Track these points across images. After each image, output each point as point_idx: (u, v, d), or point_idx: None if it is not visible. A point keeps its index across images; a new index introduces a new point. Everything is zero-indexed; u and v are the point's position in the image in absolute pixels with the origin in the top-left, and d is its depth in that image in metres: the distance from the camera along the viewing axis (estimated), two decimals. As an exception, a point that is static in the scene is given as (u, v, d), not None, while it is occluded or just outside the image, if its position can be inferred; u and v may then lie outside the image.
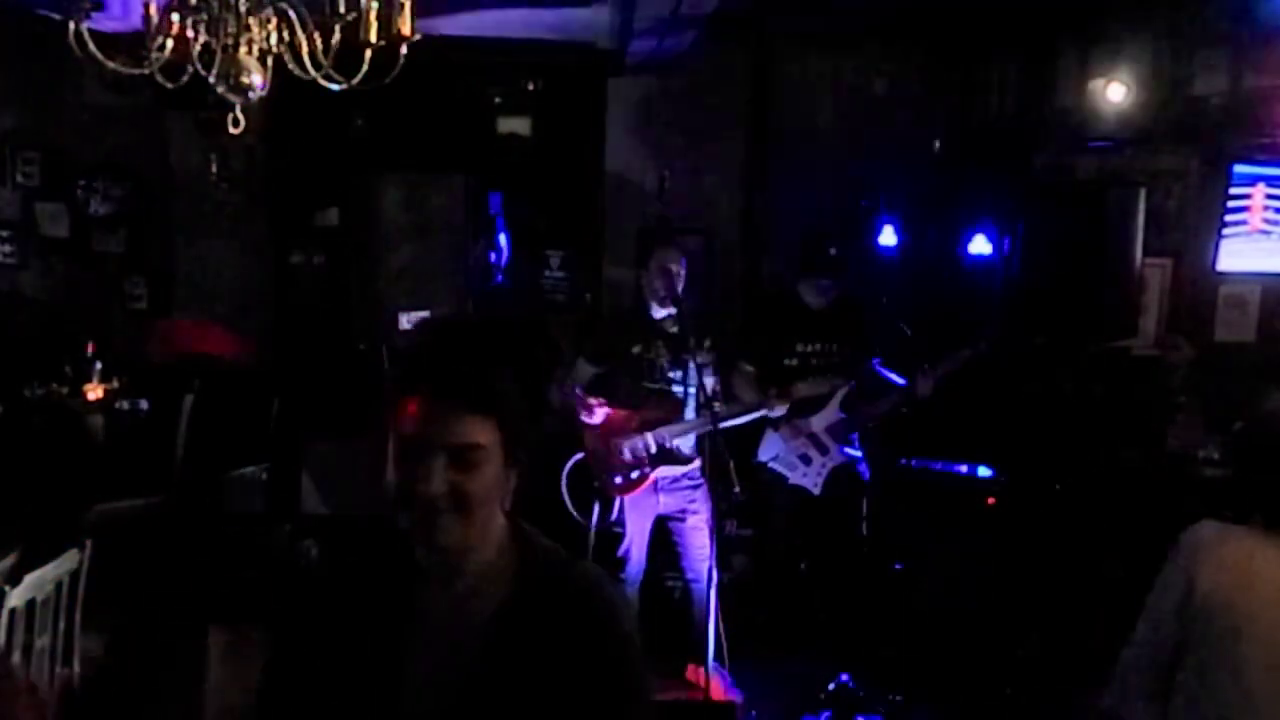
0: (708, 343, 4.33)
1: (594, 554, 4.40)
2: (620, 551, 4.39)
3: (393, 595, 1.50)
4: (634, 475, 4.29)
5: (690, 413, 4.32)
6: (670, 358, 4.30)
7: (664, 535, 4.45)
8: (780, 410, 4.35)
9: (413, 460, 1.41)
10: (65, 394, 5.50)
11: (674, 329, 4.27)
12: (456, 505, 1.42)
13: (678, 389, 4.32)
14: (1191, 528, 2.15)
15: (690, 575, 4.42)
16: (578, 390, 4.29)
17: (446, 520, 1.42)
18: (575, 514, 4.41)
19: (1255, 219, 4.65)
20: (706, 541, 4.25)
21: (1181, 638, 2.08)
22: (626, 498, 4.34)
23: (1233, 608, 2.01)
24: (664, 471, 4.31)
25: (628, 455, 4.28)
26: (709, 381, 4.19)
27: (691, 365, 4.19)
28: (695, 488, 4.35)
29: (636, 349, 4.32)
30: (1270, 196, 4.71)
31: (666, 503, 4.35)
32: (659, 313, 4.33)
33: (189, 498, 5.36)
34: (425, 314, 3.96)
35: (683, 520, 4.37)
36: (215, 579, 1.19)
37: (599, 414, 4.28)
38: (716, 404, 4.12)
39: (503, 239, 4.56)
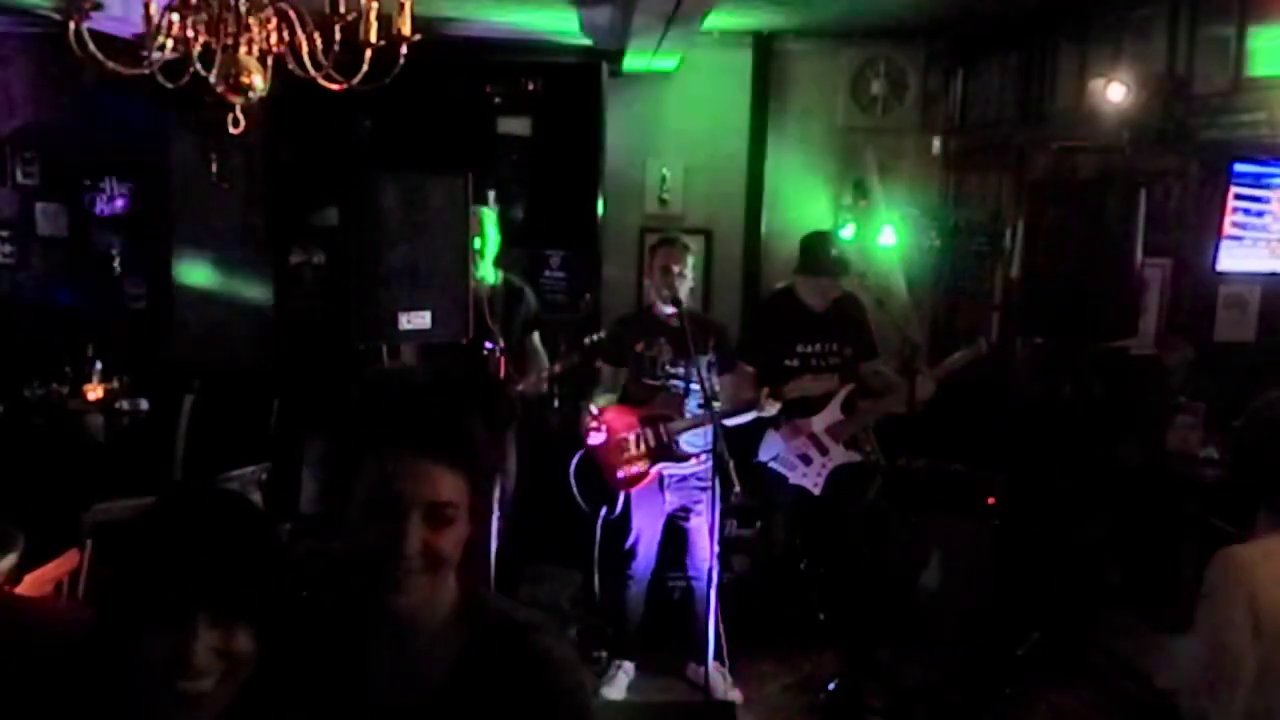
0: (712, 341, 4.34)
1: (600, 547, 4.43)
2: (628, 544, 4.39)
3: (341, 657, 1.45)
4: (635, 470, 4.30)
5: (690, 410, 4.32)
6: (673, 355, 4.31)
7: (670, 534, 4.45)
8: (773, 410, 4.34)
9: (386, 519, 1.36)
10: (65, 394, 5.50)
11: (678, 325, 4.28)
12: (428, 565, 1.38)
13: (678, 384, 4.32)
14: (1222, 555, 2.04)
15: (693, 573, 4.43)
16: (592, 409, 4.31)
17: (416, 580, 1.38)
18: (584, 506, 4.43)
19: (1225, 223, 4.60)
20: (709, 541, 4.26)
21: (1257, 665, 1.99)
22: (634, 495, 4.34)
23: None
24: (671, 469, 4.32)
25: (631, 450, 4.29)
26: (713, 381, 4.22)
27: (693, 363, 4.21)
28: (704, 489, 4.34)
29: (640, 346, 4.33)
30: (1239, 197, 4.67)
31: (673, 501, 4.36)
32: (663, 311, 4.33)
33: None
34: (424, 318, 3.94)
35: (687, 520, 4.38)
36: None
37: (597, 437, 4.29)
38: (716, 403, 4.12)
39: (492, 235, 4.52)
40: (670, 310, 4.30)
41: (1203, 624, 2.06)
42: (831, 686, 4.32)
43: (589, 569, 4.68)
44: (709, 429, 4.07)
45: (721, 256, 6.25)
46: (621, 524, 4.41)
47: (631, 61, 5.70)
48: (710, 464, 4.33)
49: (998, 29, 5.68)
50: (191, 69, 2.88)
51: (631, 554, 4.38)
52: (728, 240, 6.26)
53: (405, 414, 1.42)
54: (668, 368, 4.33)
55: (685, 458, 4.32)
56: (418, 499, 1.37)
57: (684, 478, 4.35)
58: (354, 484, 1.39)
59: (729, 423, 4.16)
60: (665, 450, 4.30)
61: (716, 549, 4.08)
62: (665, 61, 5.79)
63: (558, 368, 4.50)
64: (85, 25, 2.70)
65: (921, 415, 4.36)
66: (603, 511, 4.40)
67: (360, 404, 1.49)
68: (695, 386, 4.28)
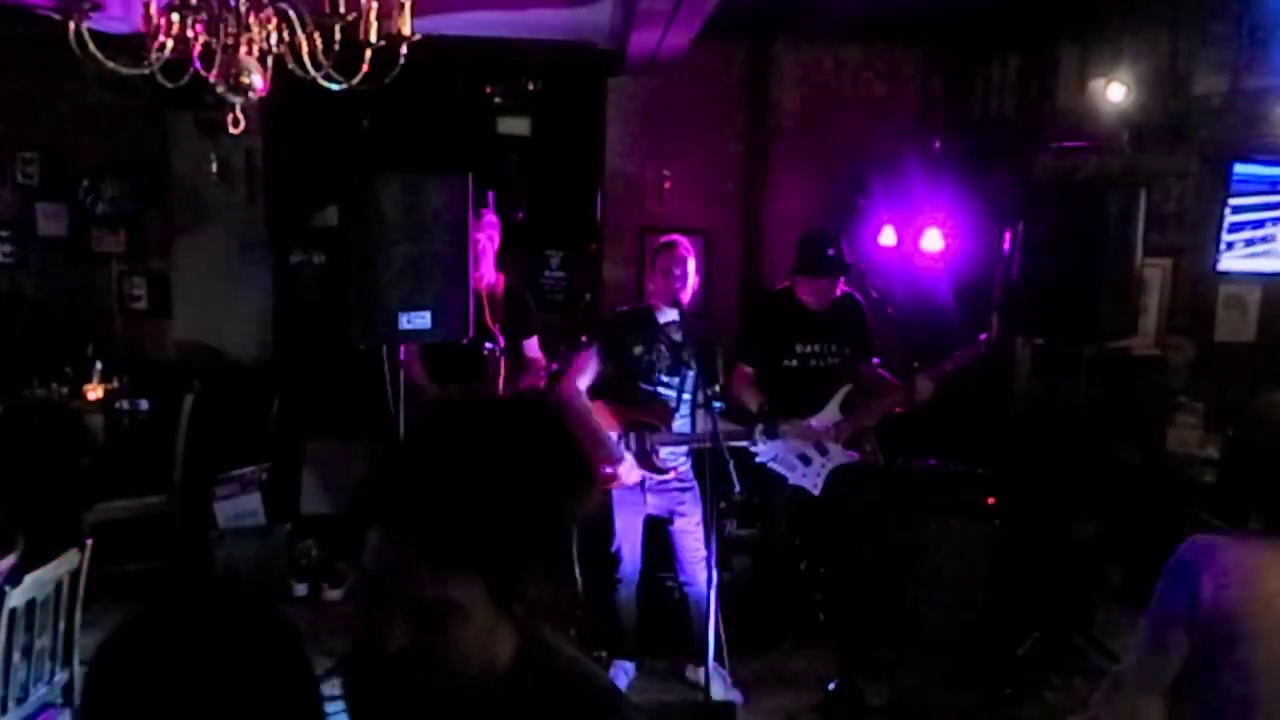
0: (703, 353, 4.30)
1: (580, 551, 4.42)
2: (613, 547, 4.38)
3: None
4: (606, 471, 4.27)
5: (678, 421, 4.30)
6: (670, 362, 4.29)
7: (660, 536, 4.44)
8: (762, 446, 4.34)
9: (371, 605, 1.12)
10: (65, 394, 5.50)
11: (677, 335, 4.26)
12: (422, 667, 1.13)
13: (670, 393, 4.30)
14: (1188, 541, 2.14)
15: (684, 578, 4.41)
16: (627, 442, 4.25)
17: (408, 679, 1.15)
18: None
19: (1225, 224, 4.59)
20: (699, 544, 4.23)
21: (1187, 650, 2.07)
22: (615, 497, 4.31)
23: (1237, 616, 2.01)
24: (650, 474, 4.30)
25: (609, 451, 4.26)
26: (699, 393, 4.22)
27: (689, 374, 4.20)
28: (684, 489, 4.33)
29: (638, 349, 4.31)
30: (1240, 197, 4.66)
31: (655, 503, 4.32)
32: (664, 316, 4.31)
33: (188, 499, 5.37)
34: (424, 318, 3.94)
35: (672, 523, 4.35)
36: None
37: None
38: (716, 404, 4.10)
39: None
40: (671, 316, 4.27)
41: (1152, 598, 2.15)
42: (831, 686, 4.32)
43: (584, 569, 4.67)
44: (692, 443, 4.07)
45: (721, 257, 6.25)
46: (604, 526, 4.40)
47: (631, 61, 5.69)
48: (691, 464, 4.33)
49: (998, 29, 5.67)
50: (191, 69, 2.88)
51: (617, 557, 4.37)
52: (727, 240, 6.25)
53: (392, 486, 1.13)
54: (663, 375, 4.30)
55: (663, 471, 4.28)
56: (404, 592, 1.11)
57: (664, 481, 4.31)
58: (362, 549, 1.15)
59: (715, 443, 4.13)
60: (644, 459, 4.27)
61: (715, 549, 4.06)
62: (665, 61, 5.79)
63: (555, 366, 4.50)
64: (85, 25, 2.71)
65: (921, 415, 4.36)
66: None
67: (384, 463, 1.19)
68: (687, 398, 4.27)
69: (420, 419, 1.25)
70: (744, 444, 4.29)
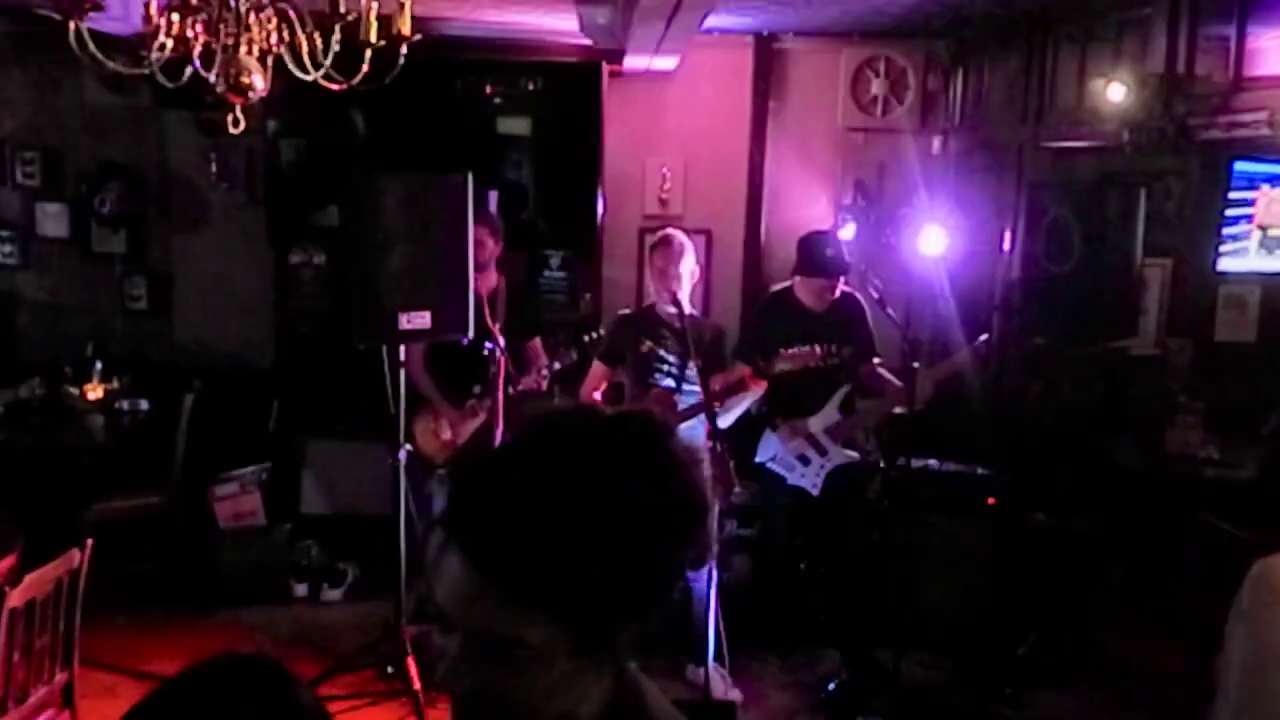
0: (706, 344, 4.31)
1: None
2: None
3: None
4: None
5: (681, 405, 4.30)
6: (675, 354, 4.30)
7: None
8: (759, 390, 4.31)
9: (441, 629, 1.02)
10: (65, 394, 5.50)
11: (679, 325, 4.27)
12: (490, 715, 1.01)
13: (670, 383, 4.31)
14: (1264, 564, 1.99)
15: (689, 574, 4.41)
16: None
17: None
18: None
19: (1225, 223, 4.58)
20: None
21: None
22: None
23: None
24: None
25: None
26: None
27: (692, 365, 4.20)
28: None
29: (645, 346, 4.32)
30: (1240, 198, 4.66)
31: None
32: (664, 311, 4.33)
33: (187, 499, 5.37)
34: (424, 318, 3.94)
35: None
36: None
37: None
38: (716, 404, 4.11)
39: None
40: (672, 310, 4.29)
41: (1238, 643, 1.91)
42: (831, 686, 4.32)
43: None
44: (700, 425, 4.06)
45: (721, 257, 6.24)
46: None
47: (631, 61, 5.69)
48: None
49: (998, 29, 5.67)
50: (191, 69, 2.88)
51: None
52: (728, 240, 6.25)
53: (466, 503, 1.01)
54: (668, 367, 4.32)
55: None
56: (466, 622, 1.01)
57: None
58: None
59: (726, 420, 4.14)
60: None
61: (715, 549, 4.06)
62: (665, 61, 5.78)
63: (557, 365, 4.50)
64: (85, 25, 2.71)
65: (921, 415, 4.36)
66: None
67: (474, 475, 1.04)
68: (688, 386, 4.28)
69: (523, 429, 1.06)
70: (745, 396, 4.26)
